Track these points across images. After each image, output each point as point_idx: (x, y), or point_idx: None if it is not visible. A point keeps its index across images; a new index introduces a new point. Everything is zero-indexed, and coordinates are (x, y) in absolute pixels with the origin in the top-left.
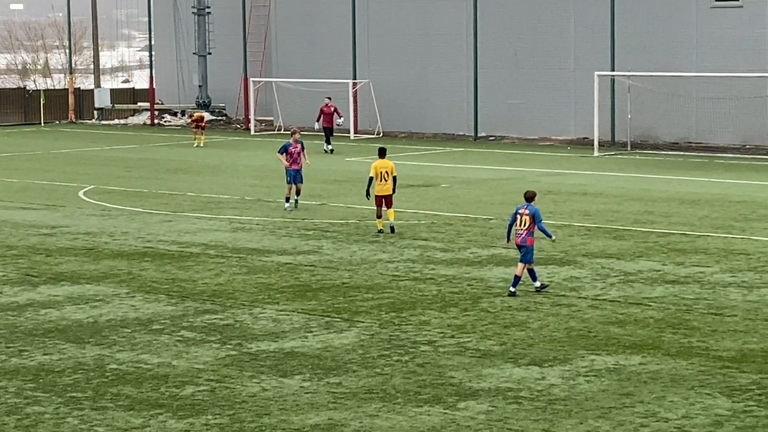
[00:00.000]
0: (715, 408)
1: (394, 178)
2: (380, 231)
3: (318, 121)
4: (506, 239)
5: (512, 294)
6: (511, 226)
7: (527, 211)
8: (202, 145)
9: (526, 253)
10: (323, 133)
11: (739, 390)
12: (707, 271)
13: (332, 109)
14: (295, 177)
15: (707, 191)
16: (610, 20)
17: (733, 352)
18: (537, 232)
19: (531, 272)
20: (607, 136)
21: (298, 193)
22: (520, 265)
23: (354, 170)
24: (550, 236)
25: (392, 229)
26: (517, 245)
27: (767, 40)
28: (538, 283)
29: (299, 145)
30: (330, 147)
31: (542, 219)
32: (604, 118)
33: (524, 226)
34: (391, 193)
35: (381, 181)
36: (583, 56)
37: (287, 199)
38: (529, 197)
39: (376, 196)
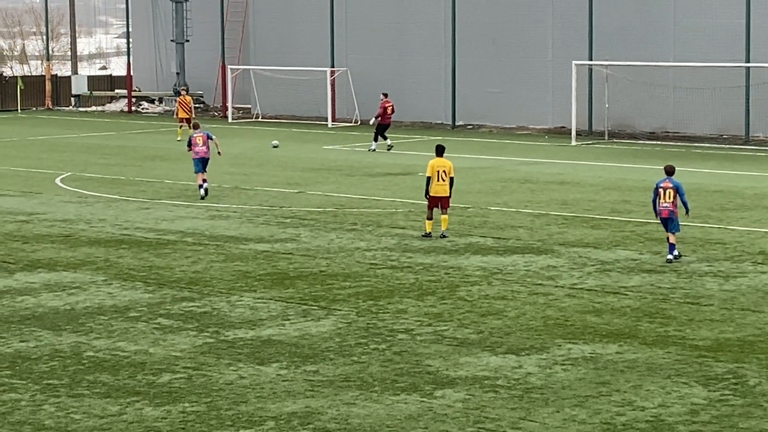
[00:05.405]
0: (691, 397)
1: (451, 179)
2: (427, 234)
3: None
4: (655, 215)
5: (672, 260)
6: (654, 202)
7: (670, 184)
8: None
9: (674, 225)
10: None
11: (715, 379)
12: (684, 261)
13: (385, 105)
14: (199, 165)
15: (684, 181)
16: (588, 9)
17: (709, 342)
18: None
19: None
20: (585, 126)
21: (204, 185)
22: (670, 234)
23: (332, 158)
24: (687, 210)
25: (443, 236)
26: (663, 218)
27: (745, 29)
28: (676, 252)
29: (204, 135)
30: (387, 143)
31: (684, 192)
32: (582, 108)
33: (669, 198)
34: (447, 195)
35: (439, 180)
36: (561, 45)
37: (200, 186)
38: (669, 171)
39: (431, 197)
